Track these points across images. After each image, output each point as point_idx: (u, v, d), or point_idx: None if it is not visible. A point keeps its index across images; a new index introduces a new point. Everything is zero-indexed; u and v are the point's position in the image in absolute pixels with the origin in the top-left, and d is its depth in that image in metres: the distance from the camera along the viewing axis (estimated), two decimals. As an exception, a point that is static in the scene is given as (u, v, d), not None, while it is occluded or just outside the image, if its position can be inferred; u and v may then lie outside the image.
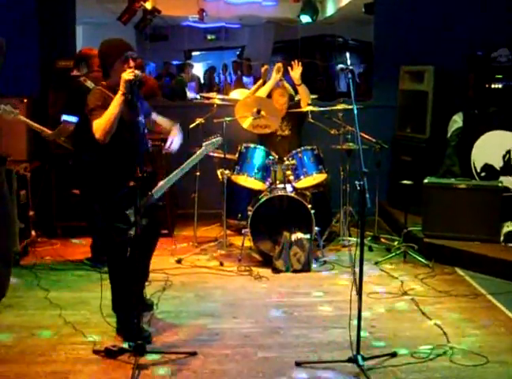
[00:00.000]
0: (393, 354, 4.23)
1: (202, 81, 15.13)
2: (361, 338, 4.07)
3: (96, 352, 4.27)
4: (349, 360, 4.05)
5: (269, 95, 6.92)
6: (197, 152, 4.69)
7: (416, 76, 7.73)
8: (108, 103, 4.30)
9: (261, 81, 7.26)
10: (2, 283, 4.68)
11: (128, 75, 4.25)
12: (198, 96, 9.17)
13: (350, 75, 4.32)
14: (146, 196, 4.30)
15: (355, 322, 4.08)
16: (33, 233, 6.75)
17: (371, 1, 9.03)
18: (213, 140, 4.92)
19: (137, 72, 4.31)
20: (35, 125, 6.19)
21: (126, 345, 4.30)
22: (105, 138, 4.24)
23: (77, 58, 6.29)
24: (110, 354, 4.22)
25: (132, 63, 4.42)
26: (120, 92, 4.25)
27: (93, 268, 6.05)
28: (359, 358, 4.01)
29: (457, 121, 7.22)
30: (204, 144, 4.83)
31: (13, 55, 7.24)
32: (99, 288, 4.74)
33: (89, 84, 5.76)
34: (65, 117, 5.92)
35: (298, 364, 4.11)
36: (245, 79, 12.95)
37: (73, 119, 5.87)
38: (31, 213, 6.66)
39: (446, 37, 7.84)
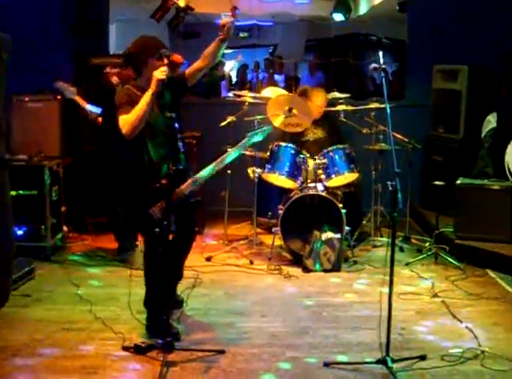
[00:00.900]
0: (423, 357, 4.17)
1: (234, 79, 15.14)
2: (391, 339, 4.03)
3: (125, 348, 4.29)
4: (378, 362, 4.01)
5: (306, 95, 6.87)
6: (241, 142, 4.65)
7: (449, 75, 7.64)
8: (134, 101, 4.30)
9: None
10: (2, 292, 4.70)
11: (160, 74, 4.25)
12: (231, 94, 9.17)
13: (383, 74, 4.28)
14: (174, 193, 4.30)
15: (385, 323, 4.04)
16: (65, 228, 6.82)
17: (405, -1, 8.96)
18: (261, 128, 4.85)
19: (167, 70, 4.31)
20: (85, 106, 6.34)
21: (155, 341, 4.31)
22: (131, 134, 4.26)
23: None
24: (139, 350, 4.24)
25: (166, 61, 4.42)
26: (150, 90, 4.26)
27: (122, 261, 6.12)
28: (389, 359, 3.97)
29: (491, 121, 7.12)
30: (249, 134, 4.77)
31: (47, 52, 7.37)
32: (129, 284, 4.77)
33: (114, 79, 5.98)
34: (89, 106, 6.26)
35: (326, 364, 4.09)
36: (276, 77, 12.92)
37: (96, 110, 6.22)
38: (63, 209, 6.73)
39: (481, 35, 7.73)
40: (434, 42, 8.03)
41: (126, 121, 4.25)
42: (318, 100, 6.81)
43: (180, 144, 4.51)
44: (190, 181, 4.40)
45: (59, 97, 7.00)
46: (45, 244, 6.30)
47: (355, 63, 12.59)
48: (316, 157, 6.38)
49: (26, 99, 6.95)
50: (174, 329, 4.43)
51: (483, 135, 7.18)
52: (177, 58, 6.89)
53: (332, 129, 6.95)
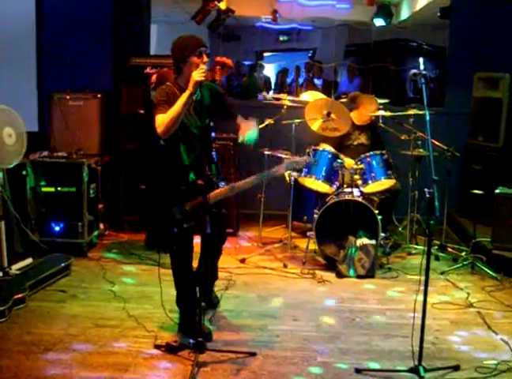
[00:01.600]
0: (456, 368, 4.12)
1: (274, 82, 15.16)
2: (423, 348, 3.99)
3: (157, 346, 4.32)
4: (410, 370, 3.97)
5: (355, 101, 6.86)
6: (275, 168, 4.66)
7: (490, 84, 7.54)
8: (173, 99, 4.33)
9: None
10: None
11: (199, 76, 4.27)
12: (270, 96, 9.15)
13: (423, 80, 4.24)
14: (197, 199, 4.31)
15: (418, 332, 4.00)
16: (101, 226, 6.89)
17: (447, 5, 8.86)
18: (299, 159, 4.80)
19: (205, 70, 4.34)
20: None
21: (186, 341, 4.33)
22: (166, 134, 4.30)
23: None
24: (171, 349, 4.27)
25: (205, 59, 4.44)
26: (188, 92, 4.28)
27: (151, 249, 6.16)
28: (421, 369, 3.92)
29: (532, 130, 7.03)
30: (287, 160, 4.77)
31: (89, 51, 7.47)
32: (163, 284, 4.79)
33: (154, 78, 6.01)
34: None
35: (358, 371, 4.06)
36: (316, 81, 12.90)
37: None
38: (100, 206, 6.80)
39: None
40: (475, 49, 7.95)
41: (162, 120, 4.28)
42: (370, 107, 6.77)
43: (214, 153, 4.55)
44: (217, 191, 4.44)
45: (99, 96, 7.08)
46: (82, 240, 6.37)
47: (395, 69, 12.50)
48: (353, 162, 6.35)
49: (67, 97, 7.04)
50: (206, 330, 4.45)
51: (523, 144, 7.09)
52: (227, 60, 6.95)
53: (375, 136, 6.94)
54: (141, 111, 6.88)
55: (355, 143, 6.91)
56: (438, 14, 9.72)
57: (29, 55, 7.43)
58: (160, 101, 4.37)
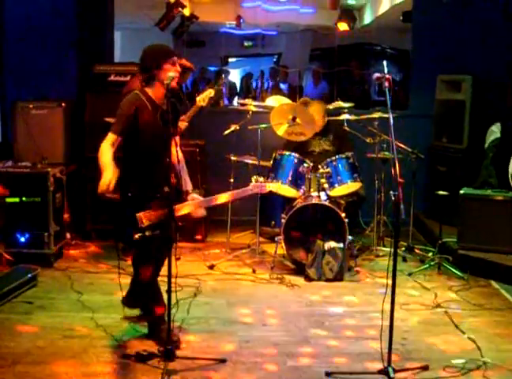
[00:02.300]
0: (425, 368, 4.16)
1: (238, 87, 15.17)
2: (392, 350, 4.01)
3: (126, 356, 4.28)
4: (380, 372, 3.99)
5: (306, 106, 6.90)
6: (241, 189, 4.72)
7: (453, 86, 7.64)
8: (140, 109, 4.36)
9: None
10: None
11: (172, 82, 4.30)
12: (235, 102, 9.21)
13: (386, 84, 4.27)
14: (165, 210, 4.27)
15: (387, 333, 4.02)
16: (68, 235, 6.81)
17: (409, 9, 8.95)
18: (264, 184, 5.01)
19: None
20: None
21: (156, 349, 4.31)
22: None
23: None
24: (140, 358, 4.23)
25: (178, 67, 4.45)
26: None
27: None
28: (391, 370, 3.94)
29: (495, 131, 7.11)
30: (252, 184, 4.90)
31: (52, 59, 7.40)
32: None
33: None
34: None
35: (328, 374, 4.07)
36: (281, 86, 12.94)
37: None
38: (65, 216, 6.73)
39: (485, 46, 7.73)
40: (437, 52, 8.04)
41: (103, 148, 4.33)
42: (317, 112, 6.84)
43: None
44: (185, 204, 4.46)
45: (64, 104, 7.01)
46: (48, 251, 6.29)
47: (359, 72, 12.60)
48: (319, 166, 6.38)
49: (30, 106, 6.96)
50: (174, 337, 4.43)
51: (486, 145, 7.18)
52: (188, 63, 6.94)
53: (339, 140, 6.96)
54: (107, 119, 6.82)
55: (318, 149, 6.94)
56: (401, 18, 9.83)
57: (-10, 64, 7.36)
58: (120, 116, 4.39)
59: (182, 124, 6.22)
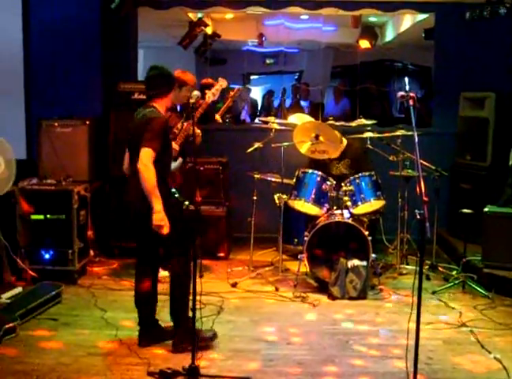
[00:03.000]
0: (451, 388, 4.13)
1: (260, 105, 15.20)
2: (418, 369, 3.97)
3: (150, 374, 4.28)
4: (406, 392, 3.96)
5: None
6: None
7: (476, 103, 7.62)
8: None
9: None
10: None
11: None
12: (257, 120, 9.19)
13: (411, 102, 4.26)
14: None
15: (412, 353, 3.99)
16: (91, 252, 6.85)
17: (431, 26, 8.95)
18: None
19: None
20: None
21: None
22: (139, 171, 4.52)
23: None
24: (164, 376, 4.23)
25: None
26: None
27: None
28: (416, 390, 3.92)
29: (520, 149, 7.07)
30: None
31: (77, 77, 7.49)
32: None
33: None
34: None
35: (353, 394, 4.05)
36: (302, 103, 12.95)
37: None
38: (89, 233, 6.77)
39: (508, 62, 7.70)
40: (460, 69, 8.02)
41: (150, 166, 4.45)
42: (333, 139, 6.76)
43: None
44: None
45: (88, 122, 7.08)
46: (72, 268, 6.33)
47: (381, 89, 12.58)
48: (343, 184, 6.37)
49: (55, 124, 7.04)
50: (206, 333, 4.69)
51: (510, 163, 7.12)
52: (209, 80, 6.92)
53: (357, 163, 6.92)
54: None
55: (335, 173, 6.92)
56: (423, 35, 9.82)
57: (17, 83, 7.44)
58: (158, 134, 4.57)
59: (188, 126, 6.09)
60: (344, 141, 6.91)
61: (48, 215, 6.36)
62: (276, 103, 14.64)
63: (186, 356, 4.33)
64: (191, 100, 4.44)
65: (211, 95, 5.97)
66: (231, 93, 6.67)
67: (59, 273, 6.24)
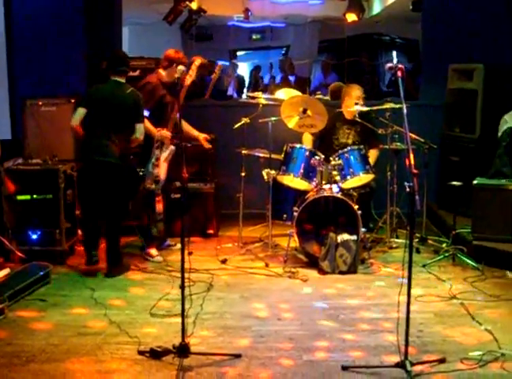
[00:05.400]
0: (442, 360, 4.12)
1: (247, 80, 15.12)
2: (409, 342, 3.97)
3: (140, 352, 4.25)
4: (397, 365, 3.95)
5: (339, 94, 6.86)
6: None
7: (464, 75, 7.56)
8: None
9: None
10: None
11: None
12: (244, 96, 9.16)
13: (399, 73, 4.21)
14: None
15: (403, 326, 3.98)
16: (79, 232, 6.79)
17: (419, -2, 8.90)
18: None
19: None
20: None
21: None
22: None
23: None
24: (154, 354, 4.21)
25: None
26: None
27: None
28: (407, 363, 3.90)
29: (508, 120, 7.02)
30: None
31: (60, 56, 7.38)
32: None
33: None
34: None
35: (344, 368, 4.04)
36: (291, 78, 12.89)
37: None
38: (77, 212, 6.71)
39: (497, 34, 7.65)
40: (448, 41, 7.96)
41: None
42: (355, 95, 6.70)
43: None
44: None
45: (72, 100, 6.98)
46: (60, 248, 6.29)
47: (369, 63, 12.52)
48: (331, 158, 6.33)
49: (40, 103, 6.93)
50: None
51: (499, 134, 7.09)
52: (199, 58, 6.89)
53: (366, 135, 6.82)
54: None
55: (339, 142, 6.83)
56: (411, 7, 9.76)
57: (0, 62, 7.33)
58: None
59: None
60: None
61: (35, 195, 6.29)
62: (266, 80, 14.58)
63: (177, 334, 4.31)
64: (176, 75, 4.43)
65: (188, 77, 6.08)
66: (216, 71, 6.71)
67: (47, 253, 6.18)
